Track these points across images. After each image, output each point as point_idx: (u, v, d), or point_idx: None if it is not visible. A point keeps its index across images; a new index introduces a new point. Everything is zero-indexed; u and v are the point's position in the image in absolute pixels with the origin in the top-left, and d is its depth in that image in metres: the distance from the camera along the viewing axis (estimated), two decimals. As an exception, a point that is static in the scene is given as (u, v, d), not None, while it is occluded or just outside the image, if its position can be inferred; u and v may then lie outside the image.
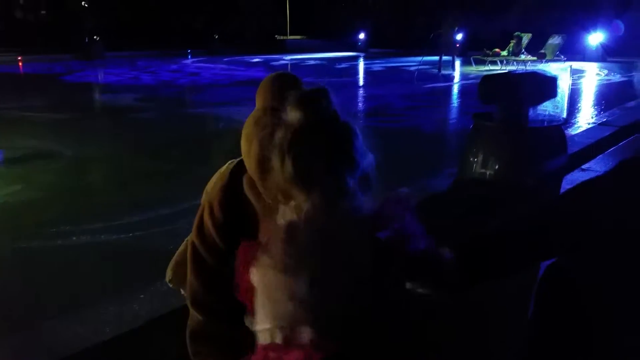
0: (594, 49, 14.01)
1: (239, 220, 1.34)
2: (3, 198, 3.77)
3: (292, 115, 0.93)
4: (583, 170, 3.90)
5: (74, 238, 3.06)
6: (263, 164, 1.20)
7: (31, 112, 7.29)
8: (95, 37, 16.83)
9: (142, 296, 2.31)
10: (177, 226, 3.24)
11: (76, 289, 2.45)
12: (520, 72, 6.64)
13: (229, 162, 1.66)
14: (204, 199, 1.76)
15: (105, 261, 2.80)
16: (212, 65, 14.96)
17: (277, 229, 0.96)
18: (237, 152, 1.72)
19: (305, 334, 0.90)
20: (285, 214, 0.98)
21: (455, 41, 13.81)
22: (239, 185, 1.34)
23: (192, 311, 1.49)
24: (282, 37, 24.10)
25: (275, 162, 0.95)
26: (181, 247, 2.18)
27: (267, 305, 0.93)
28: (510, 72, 3.80)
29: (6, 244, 2.96)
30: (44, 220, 3.34)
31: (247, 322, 1.11)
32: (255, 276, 0.93)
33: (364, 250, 0.94)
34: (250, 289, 0.95)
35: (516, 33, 13.12)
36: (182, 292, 2.18)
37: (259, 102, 1.35)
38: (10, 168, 4.58)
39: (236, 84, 11.27)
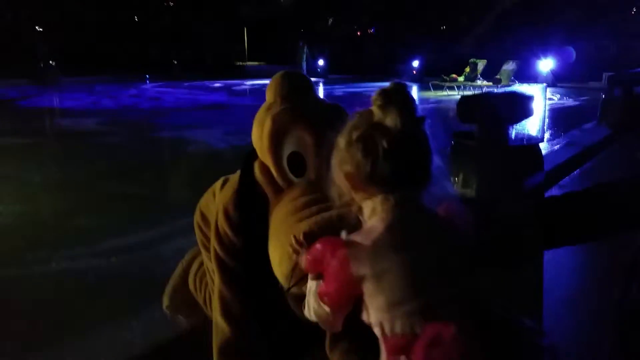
0: (544, 74, 14.75)
1: (253, 217, 1.34)
2: (-29, 226, 3.55)
3: (392, 119, 0.95)
4: (561, 187, 4.06)
5: (54, 264, 2.90)
6: (276, 139, 1.27)
7: (-12, 137, 6.96)
8: (50, 61, 16.37)
9: (133, 323, 2.20)
10: (159, 250, 3.13)
11: (61, 318, 2.31)
12: (499, 92, 6.90)
13: (221, 178, 1.64)
14: (197, 215, 1.73)
15: (90, 288, 2.66)
16: (172, 90, 14.78)
17: (371, 229, 0.96)
18: (208, 174, 1.70)
19: (420, 319, 0.90)
20: (370, 214, 0.99)
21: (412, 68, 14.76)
22: (249, 180, 1.33)
23: (219, 324, 1.45)
24: (241, 63, 24.18)
25: (356, 157, 0.97)
26: (176, 271, 2.13)
27: (378, 298, 0.93)
28: (488, 92, 3.94)
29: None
30: (20, 247, 3.16)
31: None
32: (362, 271, 0.93)
33: (450, 243, 0.99)
34: (352, 284, 0.94)
35: (471, 60, 13.67)
36: (181, 318, 2.11)
37: (270, 96, 1.40)
38: (-27, 195, 4.33)
39: (200, 108, 11.16)
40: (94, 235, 3.32)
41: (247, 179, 1.38)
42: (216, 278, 1.47)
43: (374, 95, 1.01)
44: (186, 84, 16.88)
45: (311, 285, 1.06)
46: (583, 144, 5.79)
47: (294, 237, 1.15)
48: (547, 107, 6.01)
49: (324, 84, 17.82)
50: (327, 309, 1.01)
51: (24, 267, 2.85)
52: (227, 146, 6.54)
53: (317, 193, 1.21)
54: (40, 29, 19.12)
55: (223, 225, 1.43)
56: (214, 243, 1.47)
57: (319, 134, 1.23)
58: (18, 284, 2.68)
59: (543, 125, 5.69)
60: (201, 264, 1.90)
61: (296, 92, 1.36)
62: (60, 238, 3.36)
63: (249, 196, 1.37)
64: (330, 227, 1.12)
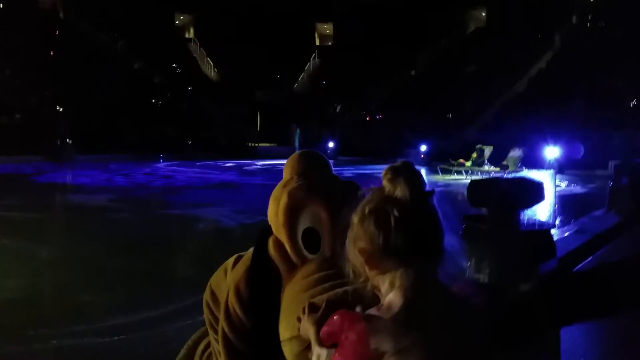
0: (551, 162, 14.97)
1: (265, 294, 1.31)
2: (-26, 299, 3.51)
3: (401, 190, 0.98)
4: (577, 273, 3.98)
5: (54, 342, 2.83)
6: (292, 215, 1.26)
7: (1, 211, 7.05)
8: (67, 139, 16.93)
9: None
10: (164, 330, 3.06)
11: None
12: (509, 177, 6.96)
13: (234, 255, 1.64)
14: (206, 294, 1.71)
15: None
16: (185, 169, 15.11)
17: (390, 304, 0.96)
18: (216, 253, 1.70)
19: None
20: (388, 289, 0.98)
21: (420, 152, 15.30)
22: (262, 257, 1.32)
23: None
24: (253, 144, 24.87)
25: (370, 230, 0.99)
26: (181, 352, 2.06)
27: None
28: (499, 177, 4.00)
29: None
30: (21, 323, 3.10)
31: None
32: (382, 347, 0.92)
33: (467, 320, 0.99)
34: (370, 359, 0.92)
35: (478, 146, 13.97)
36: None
37: (287, 173, 1.41)
38: (-20, 268, 4.32)
39: (211, 187, 11.34)
40: (97, 313, 3.27)
41: (261, 255, 1.37)
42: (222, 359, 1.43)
43: (383, 171, 1.04)
44: (199, 163, 17.29)
45: (320, 352, 1.04)
46: (593, 231, 5.75)
47: (302, 308, 1.14)
48: (556, 194, 6.08)
49: (334, 165, 18.05)
50: None
51: (24, 343, 2.78)
52: (237, 224, 6.56)
53: (332, 270, 1.20)
54: (61, 109, 19.94)
55: (233, 303, 1.40)
56: (222, 322, 1.43)
57: (334, 210, 1.23)
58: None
59: (553, 211, 5.71)
60: (207, 345, 1.85)
61: (313, 169, 1.39)
62: (63, 314, 3.30)
63: (261, 273, 1.35)
64: (343, 304, 1.10)
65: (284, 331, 1.21)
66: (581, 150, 14.23)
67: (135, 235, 6.07)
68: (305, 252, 1.26)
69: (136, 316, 3.24)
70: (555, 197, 5.90)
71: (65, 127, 17.45)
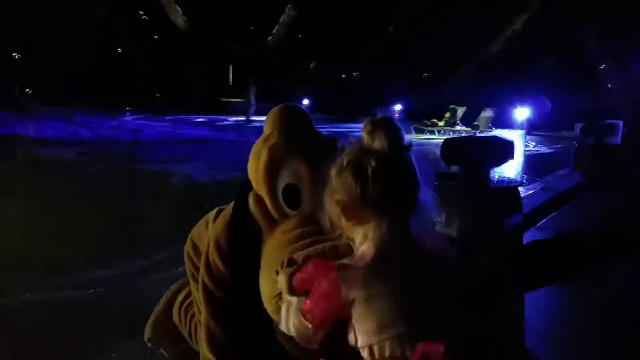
0: (520, 122, 15.24)
1: (245, 249, 1.33)
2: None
3: (380, 142, 1.00)
4: (540, 228, 4.15)
5: (27, 295, 2.81)
6: (272, 171, 1.27)
7: (-38, 163, 6.82)
8: (27, 90, 16.23)
9: (113, 355, 2.15)
10: (138, 283, 3.07)
11: (36, 353, 2.23)
12: (482, 136, 7.06)
13: (215, 209, 1.65)
14: (188, 245, 1.73)
15: (70, 319, 2.58)
16: (154, 123, 14.77)
17: (363, 254, 0.99)
18: (189, 209, 1.71)
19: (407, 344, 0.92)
20: (362, 240, 1.02)
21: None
22: (242, 212, 1.33)
23: (206, 357, 1.42)
24: (225, 99, 24.38)
25: (347, 181, 1.01)
26: (160, 303, 2.09)
27: (368, 321, 0.95)
28: (472, 136, 4.07)
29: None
30: (1, 276, 3.05)
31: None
32: (352, 294, 0.95)
33: (437, 274, 1.02)
34: (341, 306, 0.96)
35: (451, 106, 14.08)
36: (162, 351, 2.06)
37: (267, 128, 1.40)
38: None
39: (183, 142, 11.15)
40: (71, 267, 3.24)
41: (241, 210, 1.37)
42: (203, 310, 1.45)
43: (363, 124, 1.05)
44: (168, 117, 16.90)
45: (291, 300, 1.07)
46: (557, 189, 5.93)
47: (281, 263, 1.16)
48: (524, 153, 6.26)
49: (307, 122, 18.02)
50: (309, 325, 1.01)
51: (6, 297, 2.75)
52: (210, 180, 6.52)
53: (312, 226, 1.21)
54: (18, 56, 18.96)
55: (213, 256, 1.41)
56: (202, 274, 1.45)
57: (314, 166, 1.23)
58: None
59: (521, 169, 5.87)
60: (186, 295, 1.87)
61: (293, 124, 1.37)
62: (35, 269, 3.26)
63: (241, 228, 1.36)
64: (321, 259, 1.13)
65: (264, 285, 1.23)
66: (548, 105, 14.48)
67: (106, 189, 5.96)
68: (286, 209, 1.27)
69: (109, 270, 3.22)
70: (524, 156, 6.07)
71: (24, 76, 16.68)
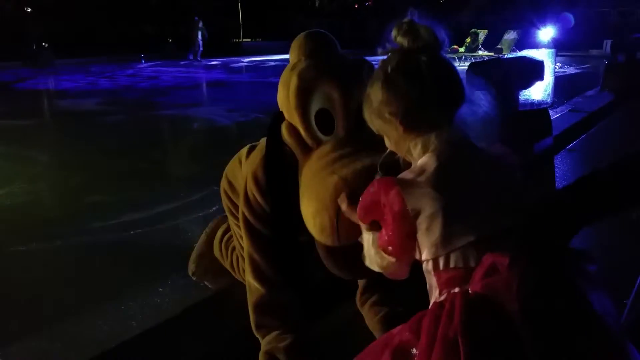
0: (545, 43, 14.64)
1: (282, 179, 1.35)
2: (-16, 205, 3.55)
3: (421, 38, 0.95)
4: (570, 150, 4.08)
5: (72, 239, 2.92)
6: (303, 96, 1.26)
7: (-11, 119, 6.91)
8: (43, 43, 16.14)
9: (160, 290, 2.24)
10: (178, 222, 3.16)
11: (88, 288, 2.35)
12: (509, 57, 6.82)
13: (247, 145, 1.65)
14: (223, 182, 1.74)
15: (113, 259, 2.68)
16: (169, 69, 14.64)
17: (424, 166, 0.94)
18: (214, 151, 1.71)
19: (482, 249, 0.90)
20: (421, 152, 0.97)
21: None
22: (276, 144, 1.34)
23: (252, 285, 1.48)
24: (237, 40, 23.90)
25: (400, 87, 0.95)
26: (200, 239, 2.15)
27: (434, 234, 0.92)
28: (499, 57, 3.92)
29: (2, 248, 2.78)
30: (37, 224, 3.16)
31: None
32: (417, 207, 0.91)
33: (503, 182, 0.98)
34: (410, 223, 0.93)
35: (472, 30, 13.54)
36: (206, 283, 2.14)
37: (293, 56, 1.37)
38: (-20, 175, 4.32)
39: (199, 86, 11.09)
40: (110, 211, 3.33)
41: (275, 142, 1.35)
42: (245, 242, 1.49)
43: (393, 30, 0.99)
44: (182, 62, 16.71)
45: (368, 237, 1.04)
46: (587, 110, 5.79)
47: (338, 192, 1.15)
48: (554, 75, 6.04)
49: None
50: (392, 259, 0.98)
51: (44, 241, 2.86)
52: (231, 122, 6.51)
53: (348, 148, 1.21)
54: (29, 9, 18.74)
55: (252, 189, 1.43)
56: (242, 208, 1.48)
57: (346, 90, 1.22)
58: (41, 257, 2.70)
59: (551, 90, 5.70)
60: (225, 230, 1.93)
61: (319, 49, 1.35)
62: (77, 214, 3.36)
63: (277, 159, 1.35)
64: (365, 176, 1.11)
65: (307, 207, 1.23)
66: (571, 20, 13.83)
67: (131, 136, 6.02)
68: (319, 134, 1.27)
69: (147, 212, 3.31)
70: (553, 76, 5.86)
71: (38, 29, 16.53)
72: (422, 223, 0.92)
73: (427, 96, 0.94)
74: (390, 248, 0.96)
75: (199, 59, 17.47)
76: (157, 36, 20.58)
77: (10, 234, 3.00)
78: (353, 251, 1.13)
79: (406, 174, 0.96)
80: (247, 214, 1.47)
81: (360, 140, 1.20)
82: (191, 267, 2.13)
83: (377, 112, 0.99)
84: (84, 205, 3.55)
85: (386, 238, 0.96)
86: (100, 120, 7.03)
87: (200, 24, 17.73)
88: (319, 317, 1.72)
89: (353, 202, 1.07)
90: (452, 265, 0.91)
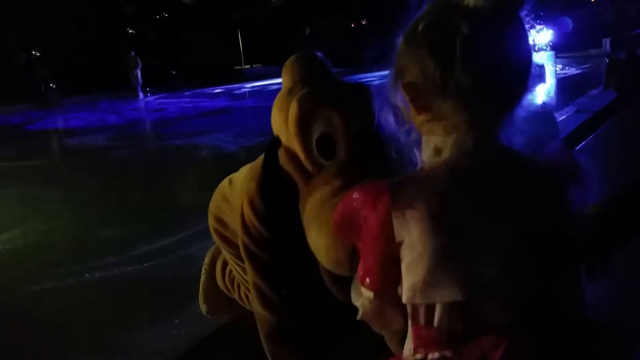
0: (544, 47, 14.67)
1: (280, 205, 1.33)
2: (0, 245, 3.60)
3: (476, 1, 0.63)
4: (580, 152, 4.07)
5: (87, 275, 2.95)
6: (304, 122, 1.22)
7: (1, 162, 7.02)
8: (51, 84, 16.47)
9: (176, 321, 2.25)
10: (189, 251, 3.17)
11: (106, 321, 2.36)
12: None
13: (226, 178, 1.65)
14: (210, 222, 1.73)
15: (127, 293, 2.70)
16: (175, 100, 14.86)
17: (430, 174, 0.68)
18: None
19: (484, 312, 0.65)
20: (434, 153, 0.69)
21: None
22: (273, 169, 1.32)
23: (261, 314, 1.46)
24: (238, 67, 24.23)
25: (422, 56, 0.66)
26: (202, 277, 2.14)
27: (416, 273, 0.66)
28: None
29: (16, 289, 2.82)
30: (51, 262, 3.20)
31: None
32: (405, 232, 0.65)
33: (545, 206, 0.68)
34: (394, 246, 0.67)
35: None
36: (224, 316, 2.12)
37: (287, 80, 1.35)
38: (-4, 217, 4.39)
39: (205, 115, 11.21)
40: (123, 245, 3.36)
41: (272, 167, 1.32)
42: (249, 271, 1.45)
43: None
44: (187, 92, 16.94)
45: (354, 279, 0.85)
46: (592, 109, 5.77)
47: None
48: (556, 77, 6.05)
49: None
50: (370, 295, 0.71)
51: (59, 279, 2.89)
52: (238, 147, 6.58)
53: (352, 174, 1.17)
54: (38, 53, 19.20)
55: (250, 217, 1.39)
56: (242, 236, 1.44)
57: (346, 113, 1.21)
58: (57, 295, 2.72)
59: (555, 92, 5.70)
60: (224, 264, 1.90)
61: (315, 73, 1.34)
62: (89, 250, 3.40)
63: (274, 185, 1.32)
64: None
65: (317, 240, 1.19)
66: (569, 23, 13.85)
67: (140, 170, 6.10)
68: (321, 159, 1.24)
69: (159, 243, 3.34)
70: (555, 78, 5.87)
71: (46, 71, 16.89)
72: (405, 254, 0.66)
73: (453, 84, 0.63)
74: (368, 280, 0.70)
75: (143, 94, 17.03)
76: (161, 69, 20.93)
77: (25, 274, 3.04)
78: None
79: (405, 180, 0.69)
80: (247, 242, 1.44)
81: (364, 164, 1.18)
82: (203, 307, 2.11)
83: (394, 77, 0.72)
84: (96, 242, 3.59)
85: (363, 266, 0.70)
86: (109, 155, 7.13)
87: (138, 59, 17.29)
88: (332, 343, 1.71)
89: None
90: (435, 323, 0.66)
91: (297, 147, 1.25)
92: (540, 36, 14.85)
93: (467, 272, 0.64)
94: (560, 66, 12.48)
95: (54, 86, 16.40)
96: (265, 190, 1.34)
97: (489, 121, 0.67)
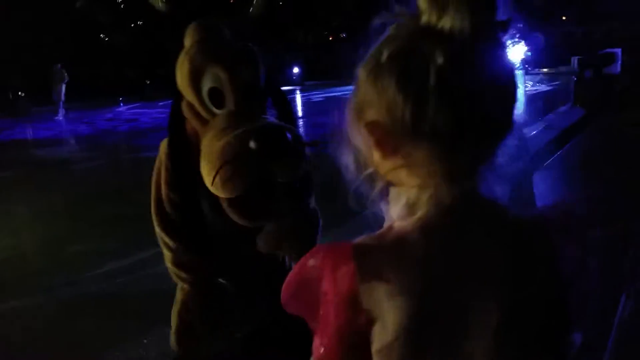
0: (517, 62, 15.07)
1: (185, 149, 1.48)
2: (-37, 262, 3.48)
3: (454, 16, 0.51)
4: (548, 168, 4.17)
5: (57, 291, 2.89)
6: (195, 77, 1.41)
7: (-33, 174, 6.82)
8: (19, 92, 16.10)
9: (145, 341, 2.21)
10: (160, 268, 3.11)
11: (73, 342, 2.30)
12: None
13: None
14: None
15: (97, 310, 2.64)
16: (148, 111, 14.67)
17: (400, 236, 0.56)
18: None
19: None
20: (407, 207, 0.56)
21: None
22: (178, 119, 1.48)
23: (175, 273, 1.61)
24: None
25: (388, 92, 0.53)
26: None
27: (390, 354, 0.55)
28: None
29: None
30: (19, 278, 3.11)
31: None
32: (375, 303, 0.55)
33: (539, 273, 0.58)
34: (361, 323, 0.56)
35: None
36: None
37: (187, 42, 1.53)
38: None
39: (180, 126, 11.09)
40: (92, 261, 3.30)
41: (176, 116, 1.49)
42: (156, 226, 1.62)
43: None
44: (161, 103, 16.76)
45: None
46: (560, 126, 5.94)
47: None
48: (525, 93, 6.21)
49: (301, 91, 17.86)
50: None
51: (25, 297, 2.82)
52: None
53: (237, 119, 1.37)
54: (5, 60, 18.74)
55: (163, 166, 1.55)
56: (154, 194, 1.62)
57: (232, 70, 1.40)
58: (22, 313, 2.65)
59: (524, 110, 5.84)
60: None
61: (208, 36, 1.52)
62: (58, 266, 3.32)
63: (179, 132, 1.48)
64: (243, 137, 1.26)
65: (203, 170, 1.37)
66: (542, 40, 14.25)
67: (111, 182, 5.99)
68: (213, 108, 1.43)
69: (130, 259, 3.28)
70: (525, 96, 6.03)
71: (14, 79, 16.51)
72: (376, 336, 0.55)
73: (425, 125, 0.52)
74: (324, 354, 0.58)
75: (64, 113, 14.84)
76: (136, 78, 20.69)
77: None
78: (251, 199, 1.30)
79: (372, 244, 0.57)
80: (161, 196, 1.58)
81: (250, 113, 1.39)
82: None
83: (354, 113, 0.59)
84: (66, 256, 3.51)
85: (322, 349, 0.58)
86: (79, 167, 7.00)
87: (64, 73, 15.16)
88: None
89: (235, 163, 1.16)
90: None
91: (192, 98, 1.44)
92: (514, 51, 15.30)
93: (455, 352, 0.55)
94: (531, 83, 12.83)
95: (23, 94, 16.04)
96: (172, 136, 1.50)
97: (470, 169, 0.56)
